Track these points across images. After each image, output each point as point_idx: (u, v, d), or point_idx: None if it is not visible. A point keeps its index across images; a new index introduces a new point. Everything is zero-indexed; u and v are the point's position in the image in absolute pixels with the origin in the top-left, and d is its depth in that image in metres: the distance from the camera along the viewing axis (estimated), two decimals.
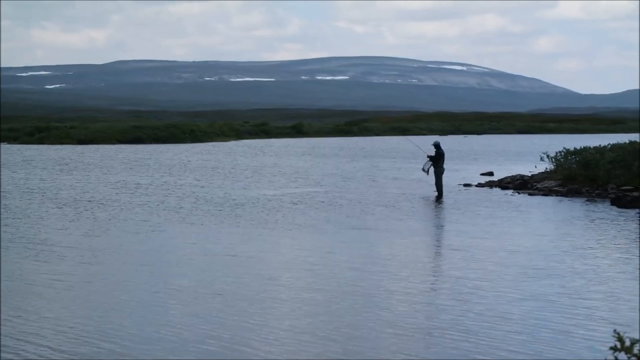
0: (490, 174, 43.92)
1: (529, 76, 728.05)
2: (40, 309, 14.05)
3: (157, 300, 14.69)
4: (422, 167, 35.50)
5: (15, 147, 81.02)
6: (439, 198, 32.74)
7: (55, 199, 31.95)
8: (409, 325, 12.95)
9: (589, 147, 37.53)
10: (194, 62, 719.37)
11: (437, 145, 34.59)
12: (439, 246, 21.94)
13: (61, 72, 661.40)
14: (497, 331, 12.54)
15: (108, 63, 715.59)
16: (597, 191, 32.57)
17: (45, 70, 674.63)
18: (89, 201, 31.04)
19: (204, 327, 12.83)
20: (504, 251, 19.85)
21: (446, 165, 34.94)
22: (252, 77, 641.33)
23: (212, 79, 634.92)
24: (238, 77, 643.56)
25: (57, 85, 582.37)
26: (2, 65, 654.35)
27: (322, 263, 18.35)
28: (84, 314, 13.75)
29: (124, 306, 14.24)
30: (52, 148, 78.99)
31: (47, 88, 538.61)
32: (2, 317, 13.46)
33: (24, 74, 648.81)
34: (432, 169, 34.38)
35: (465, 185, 38.10)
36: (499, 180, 38.85)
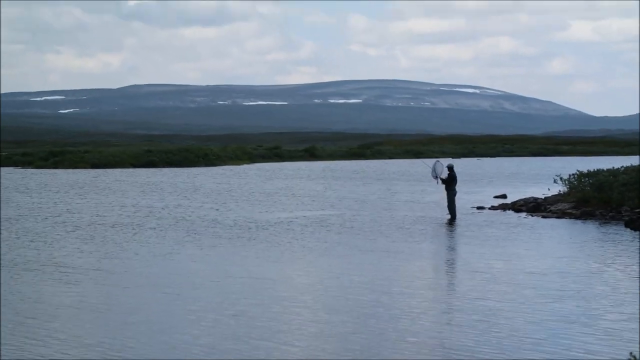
0: (504, 196, 43.88)
1: (542, 99, 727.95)
2: (57, 331, 14.10)
3: (176, 321, 14.72)
4: (431, 172, 35.29)
5: (30, 172, 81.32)
6: (451, 221, 32.72)
7: (70, 222, 32.05)
8: (430, 346, 13.00)
9: (603, 170, 37.47)
10: (207, 86, 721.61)
11: (450, 168, 34.61)
12: (455, 268, 21.88)
13: (75, 96, 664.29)
14: (520, 351, 12.60)
15: (122, 87, 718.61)
16: (610, 213, 32.49)
17: (59, 95, 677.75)
18: (102, 224, 31.13)
19: (225, 348, 12.88)
20: (521, 273, 19.87)
21: (459, 188, 34.95)
22: (265, 101, 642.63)
23: (225, 102, 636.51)
24: (251, 101, 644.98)
25: (71, 110, 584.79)
26: (16, 90, 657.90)
27: (338, 285, 18.40)
28: (104, 335, 13.78)
29: (144, 328, 14.27)
30: (67, 172, 79.26)
31: (61, 112, 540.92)
32: (20, 340, 13.52)
33: (38, 99, 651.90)
34: (440, 180, 34.56)
35: (479, 207, 38.06)
36: (512, 202, 38.77)
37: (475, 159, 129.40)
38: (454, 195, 34.08)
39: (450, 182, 34.17)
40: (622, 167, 37.92)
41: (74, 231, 28.99)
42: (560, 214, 33.87)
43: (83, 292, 17.71)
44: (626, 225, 29.40)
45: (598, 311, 15.42)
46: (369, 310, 15.60)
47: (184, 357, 12.40)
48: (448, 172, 34.49)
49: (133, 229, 29.76)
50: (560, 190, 38.50)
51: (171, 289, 18.02)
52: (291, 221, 32.19)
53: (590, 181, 36.03)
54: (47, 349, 12.91)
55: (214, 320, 14.79)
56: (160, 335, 13.78)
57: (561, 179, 38.05)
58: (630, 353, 8.78)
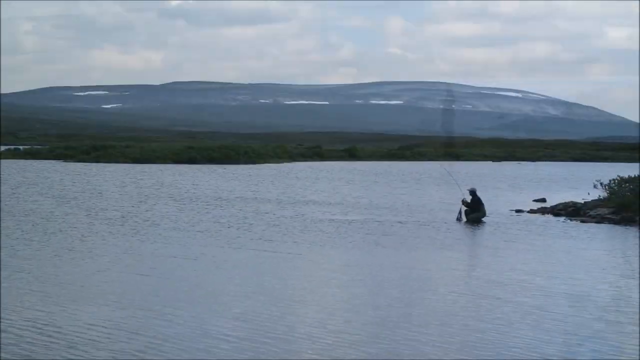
0: (543, 200, 43.67)
1: (585, 104, 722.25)
2: (97, 313, 14.35)
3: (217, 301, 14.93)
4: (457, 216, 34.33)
5: (72, 165, 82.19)
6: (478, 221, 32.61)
7: (104, 211, 32.41)
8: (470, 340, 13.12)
9: None
10: (249, 84, 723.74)
11: (473, 192, 34.08)
12: (497, 269, 21.88)
13: (118, 92, 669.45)
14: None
15: (164, 84, 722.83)
16: None
17: (102, 90, 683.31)
18: (137, 220, 31.45)
19: (259, 329, 13.08)
20: (563, 275, 19.91)
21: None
22: (307, 100, 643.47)
23: (267, 101, 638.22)
24: (293, 100, 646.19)
25: (114, 105, 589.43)
26: (60, 85, 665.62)
27: (374, 283, 18.51)
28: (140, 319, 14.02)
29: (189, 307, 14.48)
30: (108, 166, 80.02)
31: (104, 108, 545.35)
32: (54, 319, 13.77)
33: (81, 94, 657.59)
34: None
35: (517, 211, 37.94)
36: (551, 207, 38.62)
37: (516, 162, 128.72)
38: (482, 216, 33.46)
39: (477, 206, 33.59)
40: None
41: (108, 221, 29.33)
42: (599, 219, 33.69)
43: (116, 277, 17.97)
44: None
45: None
46: (404, 310, 15.69)
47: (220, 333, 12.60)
48: (471, 197, 33.93)
49: (171, 223, 30.07)
50: (600, 196, 38.26)
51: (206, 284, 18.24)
52: (327, 220, 32.33)
53: (631, 187, 35.79)
54: (91, 331, 13.14)
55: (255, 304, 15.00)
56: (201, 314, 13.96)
57: (601, 184, 37.82)
58: None
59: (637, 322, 14.86)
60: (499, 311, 15.72)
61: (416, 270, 20.87)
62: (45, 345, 12.70)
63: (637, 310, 15.95)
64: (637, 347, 13.12)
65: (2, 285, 17.32)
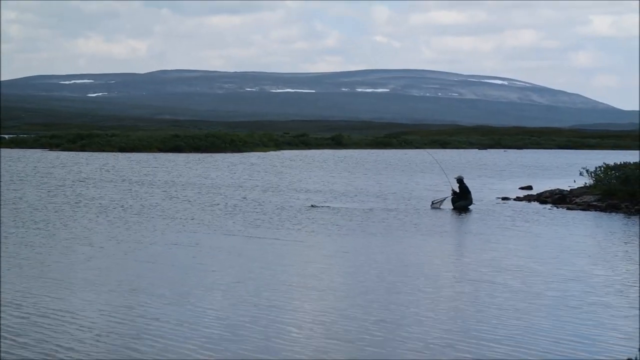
0: (529, 188, 43.82)
1: (570, 91, 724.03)
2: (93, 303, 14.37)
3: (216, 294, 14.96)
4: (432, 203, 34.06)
5: (57, 154, 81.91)
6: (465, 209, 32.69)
7: (88, 202, 32.39)
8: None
9: (629, 163, 37.36)
10: (234, 72, 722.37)
11: (460, 181, 34.08)
12: (485, 256, 21.95)
13: (104, 80, 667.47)
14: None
15: (149, 72, 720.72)
16: (636, 207, 32.42)
17: (88, 79, 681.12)
18: (123, 207, 31.43)
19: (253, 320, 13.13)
20: (555, 261, 20.07)
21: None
22: (293, 89, 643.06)
23: (253, 89, 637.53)
24: (278, 88, 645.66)
25: (100, 94, 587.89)
26: (45, 73, 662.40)
27: (370, 266, 18.58)
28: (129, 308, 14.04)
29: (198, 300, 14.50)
30: (94, 155, 79.80)
31: (89, 96, 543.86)
32: (56, 312, 13.79)
33: (67, 82, 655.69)
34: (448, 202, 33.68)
35: (504, 198, 38.05)
36: (537, 194, 38.74)
37: (502, 150, 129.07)
38: (470, 204, 33.55)
39: (465, 195, 33.63)
40: None
41: (96, 213, 29.32)
42: (585, 207, 33.82)
43: (108, 265, 17.99)
44: None
45: None
46: (398, 296, 15.75)
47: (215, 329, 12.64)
48: (459, 185, 33.90)
49: (161, 212, 30.08)
50: (585, 183, 38.39)
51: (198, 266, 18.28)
52: (317, 210, 32.39)
53: (617, 174, 35.92)
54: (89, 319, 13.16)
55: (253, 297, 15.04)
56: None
57: (587, 171, 37.91)
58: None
59: (635, 307, 14.98)
60: (495, 296, 15.79)
61: (406, 256, 20.91)
62: (35, 330, 12.71)
63: (634, 297, 16.03)
64: (637, 348, 13.18)
65: None
